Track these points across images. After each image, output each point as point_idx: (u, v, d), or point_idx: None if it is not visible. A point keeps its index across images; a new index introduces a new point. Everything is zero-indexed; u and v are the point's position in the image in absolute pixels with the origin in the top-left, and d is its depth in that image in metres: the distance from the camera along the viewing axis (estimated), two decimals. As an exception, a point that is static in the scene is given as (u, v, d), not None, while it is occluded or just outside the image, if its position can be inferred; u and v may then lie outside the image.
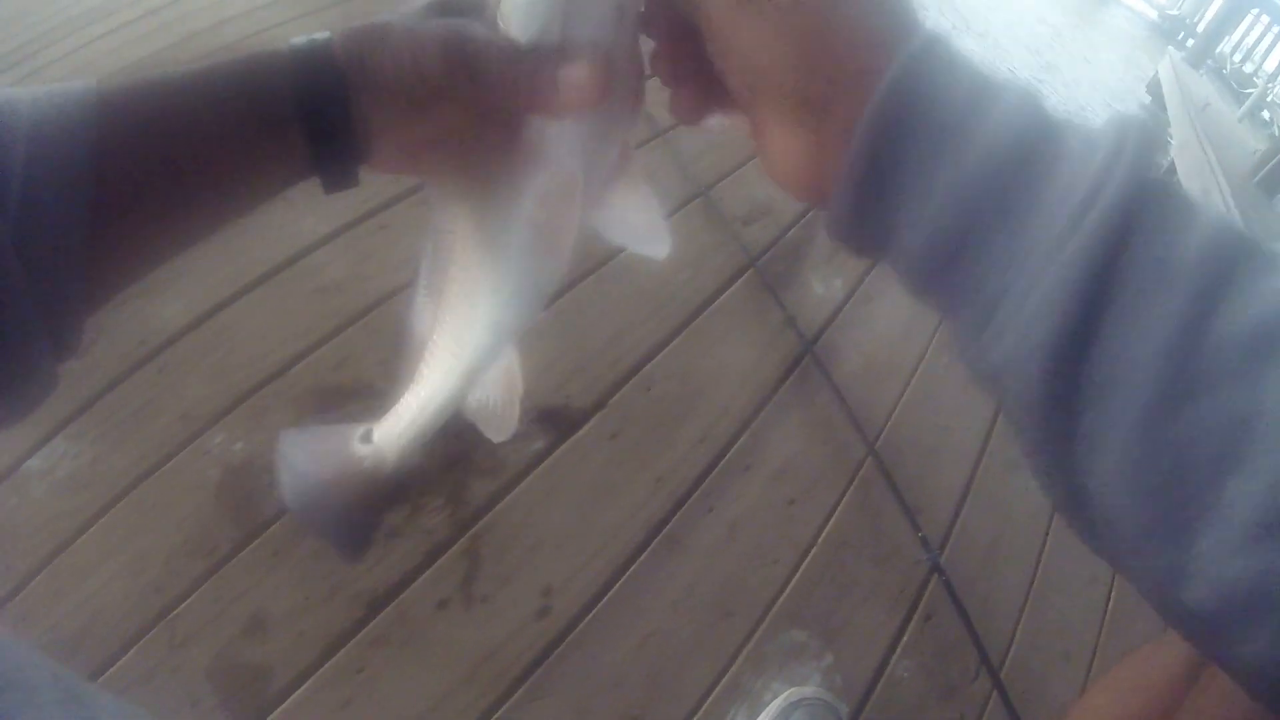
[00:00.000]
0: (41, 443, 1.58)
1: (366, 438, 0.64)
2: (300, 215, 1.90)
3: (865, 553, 1.77)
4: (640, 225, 0.60)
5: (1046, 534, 2.03)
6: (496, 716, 1.42)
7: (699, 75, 0.51)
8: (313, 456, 0.67)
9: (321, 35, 0.50)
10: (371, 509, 0.67)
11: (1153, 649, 0.85)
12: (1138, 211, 0.37)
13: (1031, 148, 0.40)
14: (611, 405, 1.84)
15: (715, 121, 0.55)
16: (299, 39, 0.49)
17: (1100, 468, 0.37)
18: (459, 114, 0.51)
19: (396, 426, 0.63)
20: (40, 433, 1.58)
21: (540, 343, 1.86)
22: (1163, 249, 0.37)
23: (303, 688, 1.39)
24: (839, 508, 1.81)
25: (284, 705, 1.37)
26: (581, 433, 1.78)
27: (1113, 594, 2.01)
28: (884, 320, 2.30)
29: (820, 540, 1.75)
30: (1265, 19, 11.43)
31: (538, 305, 0.60)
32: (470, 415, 0.67)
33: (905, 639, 1.69)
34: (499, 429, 0.68)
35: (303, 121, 0.49)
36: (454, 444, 1.69)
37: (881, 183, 0.43)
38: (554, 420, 1.78)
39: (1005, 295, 0.39)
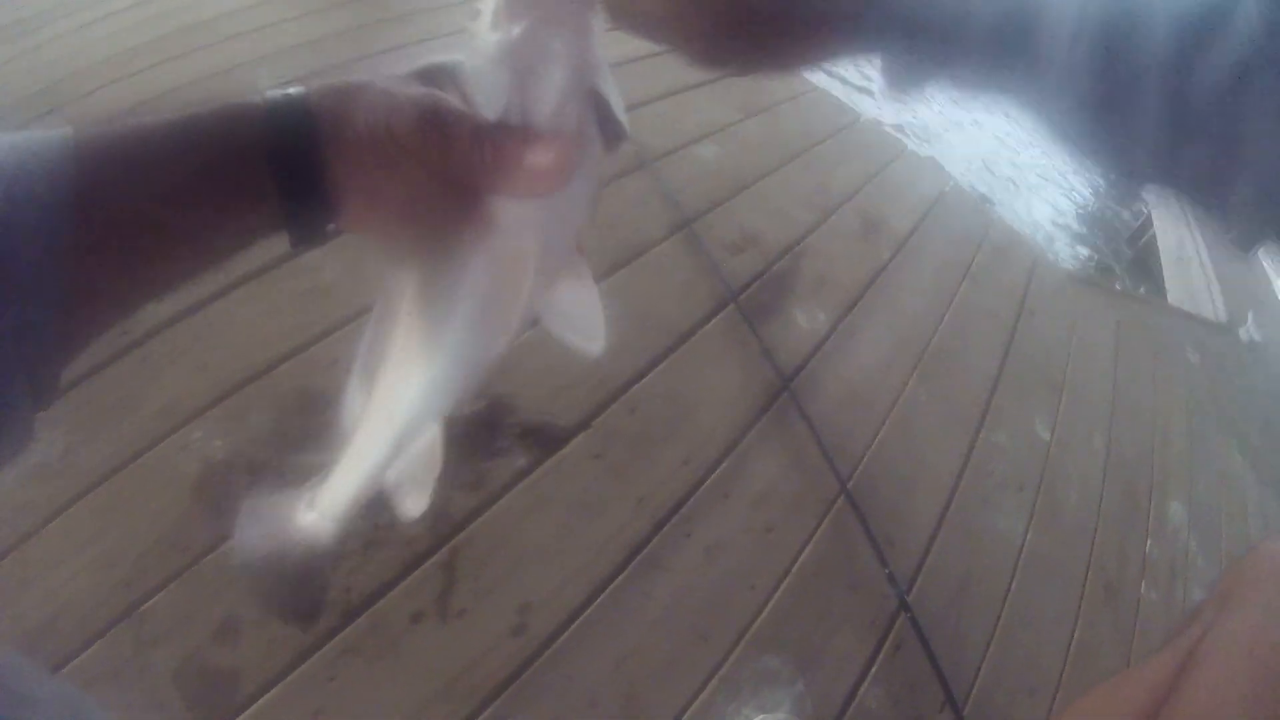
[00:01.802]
0: (12, 430, 1.55)
1: (311, 505, 0.64)
2: None
3: (839, 582, 1.78)
4: (580, 319, 0.59)
5: (1015, 569, 2.05)
6: (467, 733, 1.41)
7: None
8: (264, 529, 0.67)
9: (296, 89, 0.49)
10: (318, 575, 0.68)
11: (1119, 682, 0.87)
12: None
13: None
14: (596, 425, 1.85)
15: None
16: (273, 91, 0.49)
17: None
18: (425, 179, 0.51)
19: (334, 495, 0.63)
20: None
21: (528, 359, 1.86)
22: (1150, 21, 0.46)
23: (271, 693, 1.37)
24: (815, 537, 1.83)
25: (252, 710, 1.35)
26: (565, 451, 1.78)
27: (1076, 632, 2.04)
28: (866, 353, 2.32)
29: (795, 568, 1.76)
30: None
31: (471, 382, 0.59)
32: (385, 487, 0.66)
33: (875, 669, 1.70)
34: (412, 504, 0.67)
35: (274, 176, 0.48)
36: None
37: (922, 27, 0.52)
38: (538, 437, 1.77)
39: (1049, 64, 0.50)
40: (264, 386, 1.70)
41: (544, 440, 1.77)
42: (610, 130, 0.54)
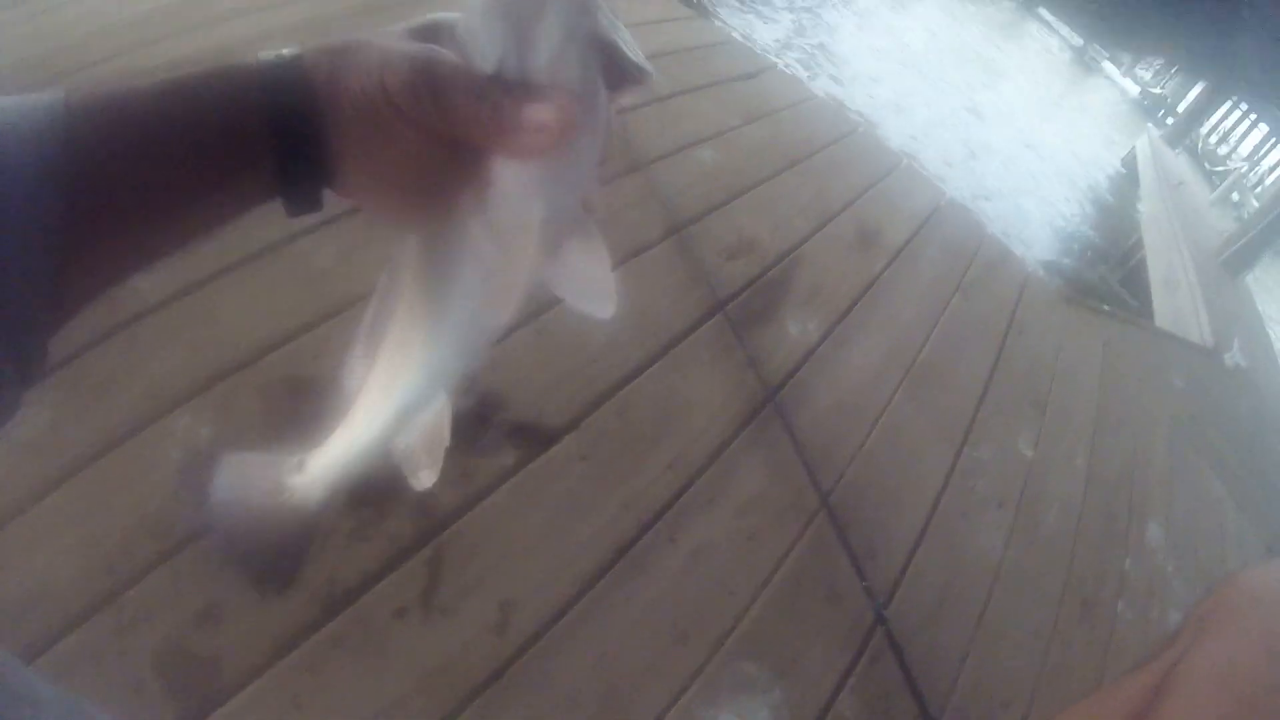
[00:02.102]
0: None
1: (300, 468, 0.63)
2: None
3: (818, 592, 1.79)
4: (589, 284, 0.55)
5: (994, 584, 2.06)
6: (447, 728, 1.41)
7: None
8: (246, 484, 0.65)
9: (291, 51, 0.48)
10: (299, 540, 0.66)
11: (1092, 706, 0.88)
12: None
13: None
14: (585, 426, 1.85)
15: None
16: (269, 53, 0.48)
17: None
18: (421, 139, 0.48)
19: (327, 461, 0.62)
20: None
21: (519, 357, 1.87)
22: None
23: (253, 682, 1.37)
24: (796, 546, 1.83)
25: (233, 699, 1.35)
26: (553, 451, 1.78)
27: (1052, 647, 2.06)
28: (855, 365, 2.33)
29: (776, 577, 1.77)
30: (1244, 105, 11.78)
31: (475, 353, 0.58)
32: (395, 459, 0.64)
33: (852, 679, 1.71)
34: (421, 477, 0.65)
35: (270, 140, 0.47)
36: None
37: None
38: (527, 436, 1.78)
39: None
40: (253, 374, 1.69)
41: (532, 439, 1.78)
42: (622, 73, 0.51)
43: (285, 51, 0.48)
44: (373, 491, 1.61)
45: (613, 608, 1.61)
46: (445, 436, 0.64)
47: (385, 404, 0.59)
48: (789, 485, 1.93)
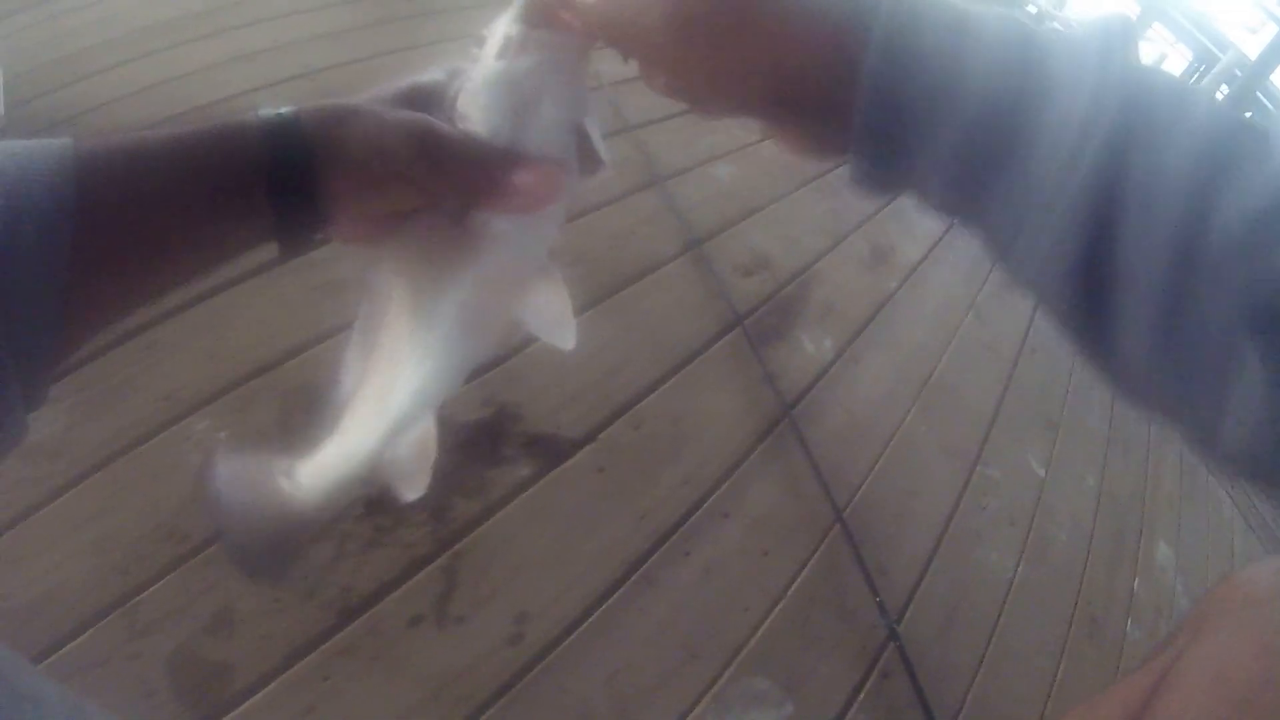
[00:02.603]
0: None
1: (288, 473, 0.66)
2: None
3: (831, 608, 1.79)
4: (553, 319, 0.64)
5: (1004, 602, 2.06)
6: (460, 739, 1.41)
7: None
8: (239, 481, 0.69)
9: (289, 110, 0.52)
10: (288, 542, 0.70)
11: (1094, 703, 0.88)
12: (1133, 122, 0.40)
13: (1020, 79, 0.43)
14: (601, 439, 1.85)
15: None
16: (267, 111, 0.52)
17: (1135, 350, 0.43)
18: (414, 197, 0.55)
19: (319, 471, 0.65)
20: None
21: (535, 371, 1.87)
22: (1158, 159, 0.40)
23: (265, 690, 1.36)
24: (810, 562, 1.83)
25: (244, 705, 1.34)
26: (569, 463, 1.79)
27: (1061, 665, 2.05)
28: (870, 382, 2.33)
29: (790, 592, 1.77)
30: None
31: (459, 379, 0.64)
32: (385, 472, 0.68)
33: (863, 696, 1.70)
34: (409, 489, 0.70)
35: (267, 193, 0.51)
36: (441, 461, 1.67)
37: (890, 140, 0.47)
38: (543, 448, 1.78)
39: (1028, 217, 0.44)
40: (271, 380, 1.70)
41: (548, 451, 1.78)
42: (589, 161, 0.60)
43: (284, 110, 0.52)
44: (388, 500, 1.61)
45: (626, 621, 1.61)
46: (432, 450, 0.69)
47: (373, 421, 0.63)
48: (803, 501, 1.93)
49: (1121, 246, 0.41)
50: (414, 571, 1.54)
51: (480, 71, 0.55)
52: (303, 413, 1.67)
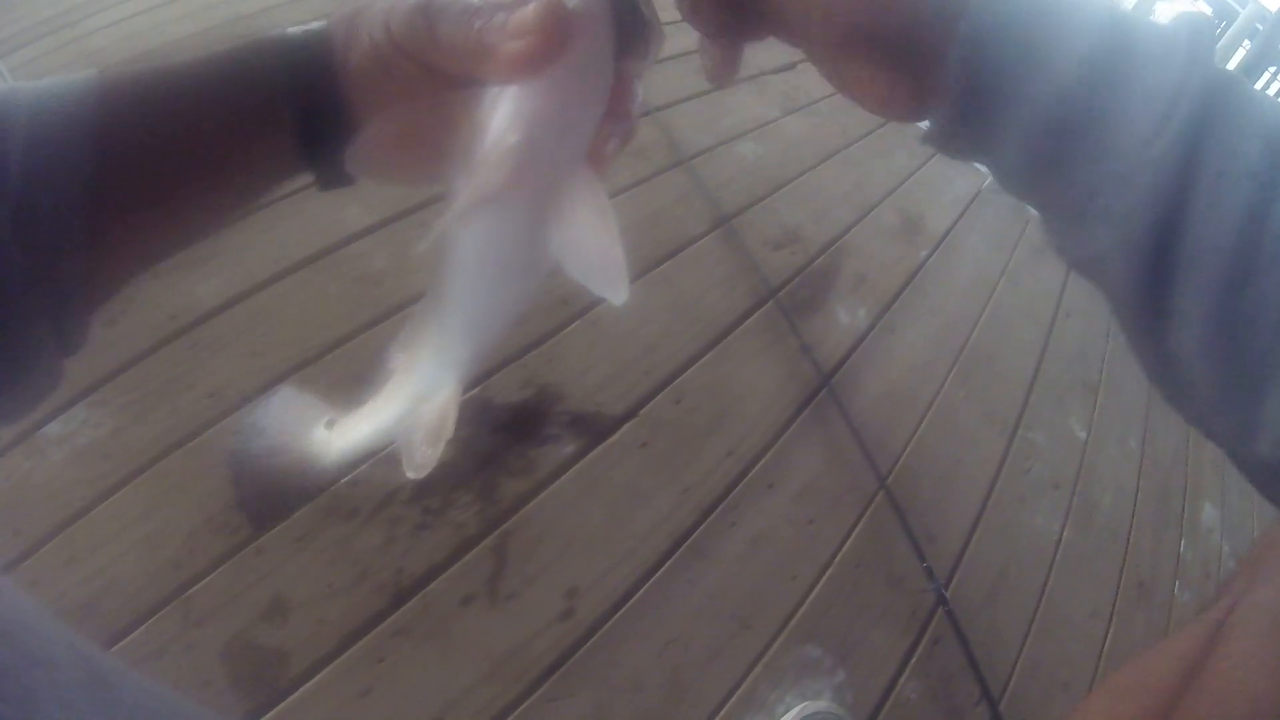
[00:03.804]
0: (61, 409, 1.56)
1: (330, 425, 0.63)
2: (344, 204, 1.91)
3: (879, 574, 1.79)
4: (598, 259, 0.49)
5: (1051, 566, 2.05)
6: (515, 714, 1.42)
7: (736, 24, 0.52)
8: (281, 417, 0.66)
9: (317, 24, 0.49)
10: (298, 489, 0.66)
11: (1150, 655, 0.87)
12: (1210, 112, 0.41)
13: (1112, 52, 0.43)
14: (642, 415, 1.86)
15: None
16: (295, 28, 0.49)
17: (1186, 337, 0.42)
18: (429, 84, 0.48)
19: (350, 426, 0.62)
20: (60, 399, 1.56)
21: (575, 349, 1.88)
22: (1233, 144, 0.40)
23: (321, 674, 1.38)
24: (856, 530, 1.83)
25: (301, 690, 1.36)
26: (613, 439, 1.80)
27: (1111, 629, 2.04)
28: (906, 350, 2.33)
29: (837, 560, 1.77)
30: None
31: (486, 336, 0.56)
32: (396, 443, 0.62)
33: (914, 661, 1.70)
34: (413, 466, 0.60)
35: (295, 114, 0.48)
36: (486, 442, 1.70)
37: (979, 98, 0.45)
38: (586, 425, 1.79)
39: (1100, 191, 0.43)
40: (313, 374, 1.71)
41: (591, 429, 1.79)
42: (636, 28, 0.49)
43: (313, 25, 0.49)
44: (437, 482, 1.62)
45: (676, 594, 1.62)
46: (449, 428, 0.59)
47: (401, 389, 0.59)
48: (846, 470, 1.93)
49: (1189, 230, 0.41)
50: (464, 551, 1.56)
51: None
52: (347, 405, 1.68)
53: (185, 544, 1.46)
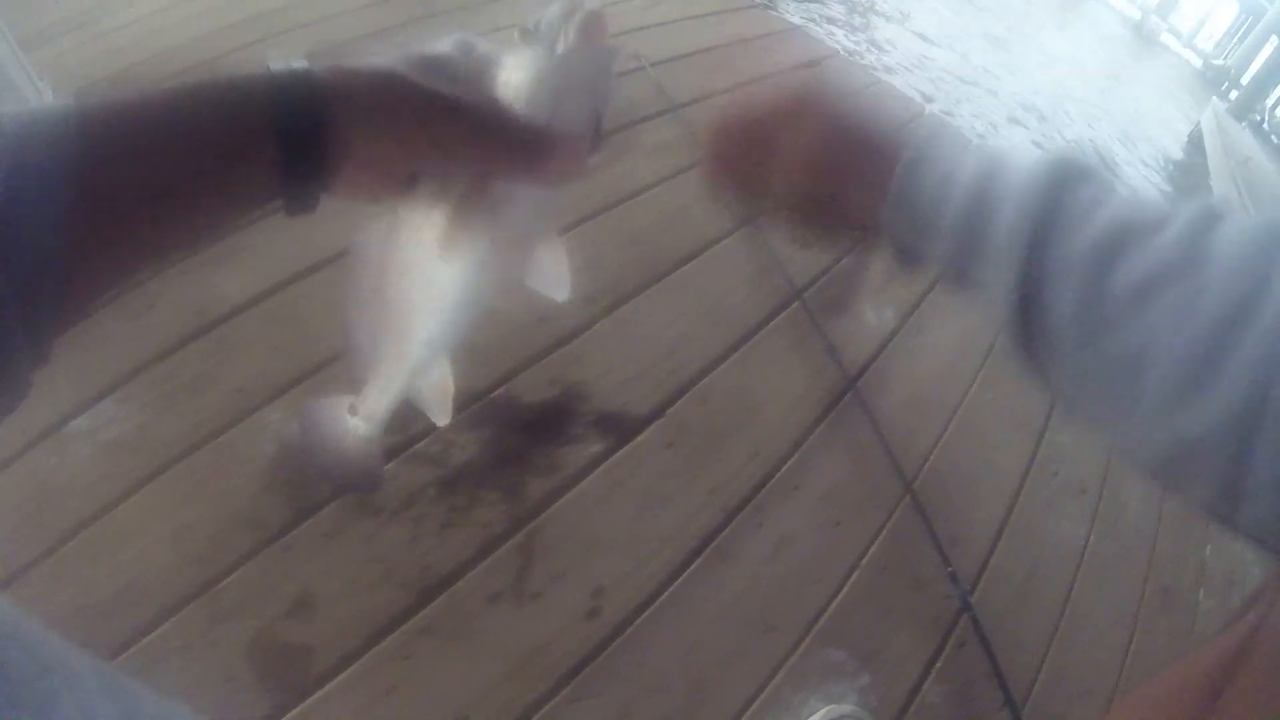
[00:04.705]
0: (88, 404, 1.57)
1: (353, 410, 0.80)
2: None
3: (904, 578, 1.78)
4: (551, 274, 0.69)
5: (1077, 571, 2.04)
6: (539, 714, 1.42)
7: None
8: (314, 425, 0.85)
9: (300, 64, 0.52)
10: (368, 457, 0.84)
11: (1174, 670, 0.87)
12: (1052, 220, 0.58)
13: (985, 191, 0.61)
14: (668, 415, 1.86)
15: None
16: (278, 64, 0.52)
17: (1065, 377, 0.59)
18: (431, 162, 0.57)
19: (370, 405, 0.79)
20: (87, 394, 1.57)
21: (600, 350, 1.88)
22: (1072, 236, 0.56)
23: (346, 671, 1.39)
24: (882, 533, 1.82)
25: (326, 687, 1.37)
26: (639, 440, 1.80)
27: (1135, 635, 2.02)
28: (933, 351, 2.32)
29: (862, 563, 1.76)
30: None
31: (465, 330, 0.72)
32: (415, 401, 0.81)
33: (938, 665, 1.70)
34: (437, 416, 0.82)
35: (277, 149, 0.51)
36: (512, 441, 1.70)
37: (907, 237, 0.67)
38: (612, 425, 1.79)
39: (981, 281, 0.62)
40: (341, 369, 1.71)
41: (617, 428, 1.79)
42: (596, 142, 0.64)
43: (295, 65, 0.52)
44: (463, 480, 1.62)
45: (701, 595, 1.62)
46: (450, 388, 0.80)
47: (401, 365, 0.74)
48: (871, 473, 1.92)
49: (1048, 298, 0.57)
50: (490, 550, 1.56)
51: (528, 56, 0.58)
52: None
53: (211, 540, 1.47)
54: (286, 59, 0.52)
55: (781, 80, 0.74)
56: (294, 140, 0.51)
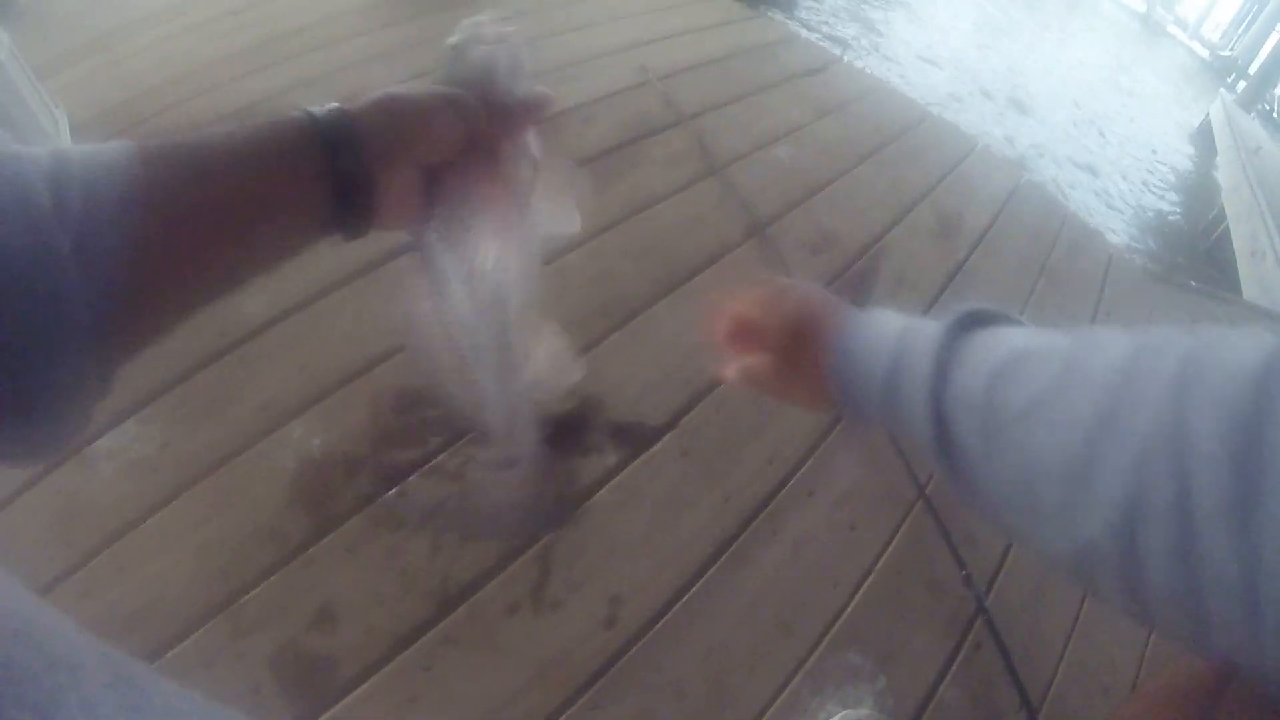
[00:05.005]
0: (111, 425, 1.60)
1: (498, 465, 0.81)
2: None
3: (920, 580, 1.79)
4: (560, 212, 0.73)
5: (1093, 570, 2.04)
6: (560, 720, 1.43)
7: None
8: (480, 498, 0.98)
9: (333, 105, 0.57)
10: (540, 497, 0.91)
11: (1182, 665, 0.88)
12: (957, 359, 0.65)
13: (899, 364, 0.68)
14: (683, 424, 1.88)
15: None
16: (317, 108, 0.56)
17: (982, 495, 0.62)
18: (452, 151, 0.62)
19: (508, 450, 0.80)
20: (110, 415, 1.60)
21: (615, 362, 1.90)
22: (975, 370, 0.62)
23: (369, 681, 1.41)
24: (897, 536, 1.83)
25: (349, 697, 1.39)
26: (654, 449, 1.81)
27: (1152, 634, 2.02)
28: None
29: (878, 566, 1.77)
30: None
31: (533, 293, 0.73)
32: (545, 393, 0.81)
33: (955, 667, 1.70)
34: (570, 376, 0.83)
35: (332, 183, 0.56)
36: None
37: (848, 402, 0.75)
38: (628, 436, 1.81)
39: (908, 421, 0.68)
40: (362, 386, 1.74)
41: (633, 438, 1.81)
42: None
43: (331, 105, 0.57)
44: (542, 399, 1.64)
45: (718, 600, 1.63)
46: (558, 346, 0.81)
47: (501, 396, 0.74)
48: (885, 476, 1.93)
49: (955, 432, 0.62)
50: (509, 561, 1.58)
51: (476, 63, 0.67)
52: (394, 414, 1.72)
53: (234, 555, 1.50)
54: (323, 102, 0.57)
55: (759, 287, 0.85)
56: (348, 175, 0.56)
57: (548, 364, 0.80)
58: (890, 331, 0.71)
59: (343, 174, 0.56)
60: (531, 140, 0.70)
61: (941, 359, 0.64)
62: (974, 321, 0.68)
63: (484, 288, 0.67)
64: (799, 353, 0.78)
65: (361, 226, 0.60)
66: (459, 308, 0.68)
